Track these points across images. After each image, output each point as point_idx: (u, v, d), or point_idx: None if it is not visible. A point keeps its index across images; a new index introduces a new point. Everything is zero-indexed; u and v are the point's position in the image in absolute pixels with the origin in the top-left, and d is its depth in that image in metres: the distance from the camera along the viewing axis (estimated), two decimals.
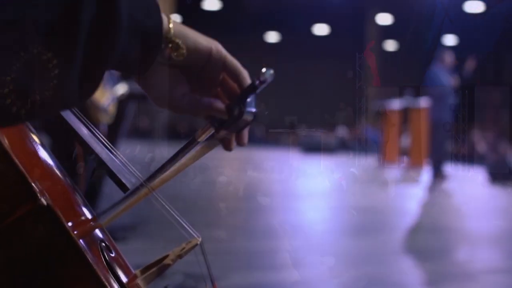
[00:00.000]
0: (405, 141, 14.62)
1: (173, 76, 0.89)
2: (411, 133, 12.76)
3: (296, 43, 30.58)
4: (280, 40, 30.99)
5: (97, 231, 0.93)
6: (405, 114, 12.97)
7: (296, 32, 29.14)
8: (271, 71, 0.84)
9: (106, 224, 0.99)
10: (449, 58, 10.11)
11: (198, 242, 1.00)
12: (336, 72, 31.52)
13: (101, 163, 0.95)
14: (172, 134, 19.99)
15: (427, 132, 10.36)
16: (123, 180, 0.97)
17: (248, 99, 0.86)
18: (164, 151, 11.06)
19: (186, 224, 1.00)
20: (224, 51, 0.90)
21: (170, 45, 0.85)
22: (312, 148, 15.84)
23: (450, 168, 11.34)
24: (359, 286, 4.01)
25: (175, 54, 0.85)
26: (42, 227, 0.77)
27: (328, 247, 5.23)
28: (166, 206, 0.99)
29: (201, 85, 0.91)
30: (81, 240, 0.81)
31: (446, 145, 10.53)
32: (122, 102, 4.68)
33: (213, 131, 0.90)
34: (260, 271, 4.27)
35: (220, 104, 0.89)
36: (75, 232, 0.80)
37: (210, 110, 0.89)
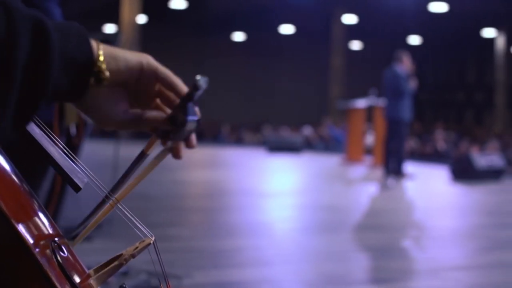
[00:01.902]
0: (369, 139, 14.74)
1: (111, 96, 0.91)
2: (375, 132, 12.86)
3: (262, 43, 30.62)
4: (246, 39, 30.99)
5: (50, 232, 0.92)
6: (369, 113, 13.06)
7: (263, 32, 29.18)
8: (206, 78, 0.86)
9: (77, 242, 1.01)
10: (407, 59, 10.25)
11: (151, 242, 0.99)
12: (302, 71, 31.67)
13: (53, 163, 0.94)
14: (137, 132, 19.90)
15: (385, 130, 10.49)
16: (75, 180, 0.97)
17: (189, 107, 0.89)
18: (129, 150, 11.00)
19: (139, 224, 0.99)
20: (155, 63, 0.93)
21: (99, 72, 0.87)
22: (277, 147, 15.87)
23: (413, 166, 11.45)
24: (321, 283, 4.03)
25: (104, 78, 0.87)
26: None
27: (291, 245, 5.26)
28: (120, 206, 0.98)
29: (140, 99, 0.94)
30: (31, 241, 0.81)
31: (405, 144, 10.69)
32: None
33: (159, 142, 0.93)
34: (224, 270, 4.27)
35: (161, 116, 0.93)
36: (26, 233, 0.80)
37: (152, 122, 0.93)
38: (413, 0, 21.03)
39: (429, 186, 10.07)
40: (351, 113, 13.28)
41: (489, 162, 10.40)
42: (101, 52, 0.88)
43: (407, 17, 23.09)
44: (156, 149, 0.94)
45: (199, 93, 0.88)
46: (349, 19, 24.83)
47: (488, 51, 28.87)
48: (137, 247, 0.97)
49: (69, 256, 0.94)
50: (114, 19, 21.67)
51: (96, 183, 0.95)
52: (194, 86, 0.87)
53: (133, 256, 0.96)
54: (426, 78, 32.06)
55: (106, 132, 20.84)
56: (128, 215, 0.98)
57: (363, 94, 13.15)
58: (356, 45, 31.58)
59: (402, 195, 8.99)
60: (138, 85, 0.92)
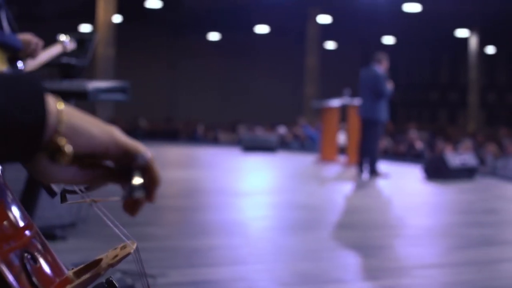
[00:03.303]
0: (343, 139, 14.81)
1: (63, 165, 0.79)
2: (349, 131, 12.92)
3: (237, 42, 30.62)
4: (221, 39, 30.96)
5: (25, 239, 0.90)
6: (343, 112, 13.12)
7: (238, 32, 29.18)
8: (141, 191, 0.83)
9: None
10: (386, 61, 10.38)
11: (132, 251, 0.97)
12: (277, 71, 31.69)
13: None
14: None
15: (360, 129, 10.63)
16: (51, 185, 0.95)
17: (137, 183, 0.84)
18: None
19: (121, 230, 0.98)
20: (123, 143, 0.82)
21: (54, 148, 0.75)
22: (252, 146, 15.89)
23: (387, 166, 11.53)
24: (296, 282, 4.06)
25: (59, 158, 0.76)
26: None
27: (266, 244, 5.27)
28: (99, 211, 0.97)
29: (91, 166, 0.83)
30: None
31: (379, 143, 10.86)
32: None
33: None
34: (199, 269, 4.28)
35: (109, 175, 0.85)
36: None
37: (102, 181, 0.85)
38: (387, 1, 21.15)
39: (403, 185, 10.15)
40: (325, 113, 13.33)
41: (462, 161, 10.50)
42: (61, 117, 0.75)
43: (381, 17, 23.21)
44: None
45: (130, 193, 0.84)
46: (324, 19, 24.90)
47: (461, 51, 29.12)
48: (117, 255, 0.95)
49: (45, 263, 0.91)
50: (90, 19, 21.55)
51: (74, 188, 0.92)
52: (130, 189, 0.83)
53: (111, 265, 0.94)
54: (399, 77, 32.27)
55: None
56: (106, 216, 0.97)
57: (337, 93, 13.21)
58: (330, 45, 31.69)
59: (376, 194, 9.05)
60: (96, 158, 0.81)
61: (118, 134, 0.81)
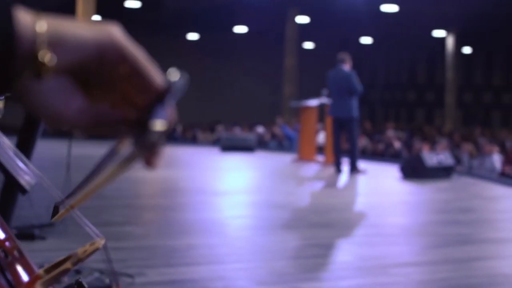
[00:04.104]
0: (320, 138, 14.86)
1: (59, 90, 0.65)
2: (327, 131, 12.97)
3: (216, 42, 30.59)
4: (200, 39, 30.92)
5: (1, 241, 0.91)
6: (322, 112, 13.17)
7: (217, 32, 29.16)
8: (184, 77, 0.67)
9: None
10: (348, 58, 10.78)
11: (100, 246, 0.98)
12: (256, 71, 31.69)
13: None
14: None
15: (334, 129, 10.91)
16: (21, 182, 0.96)
17: (156, 111, 0.67)
18: (82, 150, 10.91)
19: (89, 226, 0.98)
20: (122, 42, 0.66)
21: (34, 60, 0.63)
22: (230, 146, 15.89)
23: (364, 165, 11.59)
24: (273, 280, 4.07)
25: (43, 70, 0.63)
26: None
27: (244, 243, 5.29)
28: (71, 210, 0.95)
29: (97, 89, 0.68)
30: None
31: (358, 140, 11.13)
32: None
33: (126, 146, 0.71)
34: (177, 268, 4.28)
35: (131, 113, 0.69)
36: None
37: (117, 123, 0.69)
38: (365, 1, 21.25)
39: (380, 184, 10.21)
40: (303, 112, 13.37)
41: (439, 160, 10.58)
42: (41, 28, 0.64)
43: (359, 18, 23.31)
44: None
45: (174, 95, 0.67)
46: (303, 20, 24.97)
47: (438, 51, 29.31)
48: (86, 250, 0.97)
49: (16, 260, 0.92)
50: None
51: (47, 185, 0.89)
52: (168, 86, 0.67)
53: (81, 260, 0.95)
54: (377, 78, 32.44)
55: (59, 131, 20.52)
56: (78, 215, 0.97)
57: (316, 94, 13.24)
58: (309, 45, 31.76)
59: (354, 193, 9.09)
60: (94, 72, 0.66)
61: (117, 32, 0.66)
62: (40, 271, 0.95)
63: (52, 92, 0.65)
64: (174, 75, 0.67)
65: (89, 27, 0.66)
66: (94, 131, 0.69)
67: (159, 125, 0.66)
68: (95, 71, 0.66)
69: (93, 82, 0.67)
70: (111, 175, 0.73)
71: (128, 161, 0.69)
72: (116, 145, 0.70)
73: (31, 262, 0.98)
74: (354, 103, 10.69)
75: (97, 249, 0.96)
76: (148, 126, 0.65)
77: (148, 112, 0.66)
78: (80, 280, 1.01)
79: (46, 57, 0.62)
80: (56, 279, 0.93)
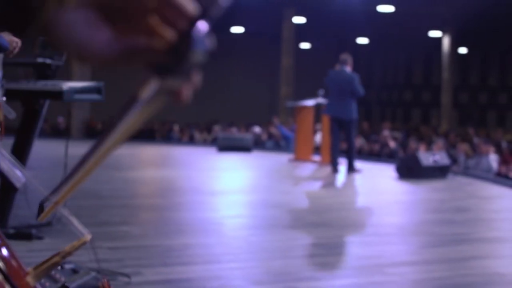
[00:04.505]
0: (318, 138, 14.88)
1: (85, 19, 0.63)
2: (323, 131, 12.99)
3: (213, 42, 30.58)
4: None
5: None
6: (318, 112, 13.19)
7: (214, 32, 29.13)
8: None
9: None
10: (350, 60, 10.96)
11: (87, 241, 1.01)
12: (254, 72, 31.70)
13: None
14: (89, 132, 19.75)
15: (332, 129, 11.03)
16: (12, 181, 0.99)
17: (196, 32, 0.64)
18: (80, 149, 10.91)
19: (76, 222, 1.01)
20: None
21: None
22: (227, 145, 15.90)
23: (360, 164, 11.62)
24: (269, 280, 4.10)
25: None
26: None
27: (240, 242, 5.30)
28: (63, 211, 0.98)
29: (126, 19, 0.65)
30: None
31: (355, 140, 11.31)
32: (33, 100, 4.63)
33: (156, 81, 0.66)
34: (173, 267, 4.30)
35: (158, 43, 0.65)
36: None
37: (148, 53, 0.65)
38: (362, 2, 21.28)
39: (376, 183, 10.23)
40: (299, 113, 13.39)
41: (435, 160, 10.60)
42: None
43: (356, 18, 23.33)
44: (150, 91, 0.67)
45: (215, 11, 0.63)
46: (299, 20, 25.00)
47: (434, 51, 29.34)
48: (73, 246, 1.00)
49: (7, 256, 0.95)
50: None
51: (35, 184, 0.93)
52: (202, 13, 0.63)
53: (69, 254, 0.97)
54: (374, 78, 32.48)
55: (57, 131, 20.59)
56: (66, 214, 1.00)
57: (313, 94, 13.25)
58: (305, 45, 31.78)
59: (350, 192, 9.11)
60: (120, 5, 0.64)
61: None
62: (30, 270, 0.98)
63: (77, 24, 0.62)
64: None
65: None
66: (123, 63, 0.67)
67: (195, 53, 0.63)
68: (121, 4, 0.64)
69: (119, 16, 0.64)
70: (138, 119, 0.68)
71: (157, 97, 0.66)
72: (138, 89, 0.67)
73: (20, 261, 1.00)
74: (354, 105, 10.84)
75: (83, 244, 1.00)
76: (183, 54, 0.63)
77: (182, 39, 0.63)
78: (66, 284, 1.04)
79: None
80: (46, 272, 0.95)
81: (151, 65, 0.65)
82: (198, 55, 0.64)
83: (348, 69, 10.95)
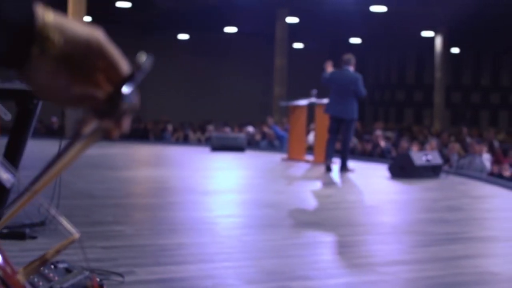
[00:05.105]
0: (311, 138, 14.90)
1: (54, 68, 0.85)
2: (316, 131, 13.01)
3: (207, 42, 30.59)
4: (191, 39, 30.89)
5: None
6: (311, 112, 13.22)
7: (208, 32, 29.16)
8: (150, 59, 0.85)
9: None
10: (354, 60, 11.12)
11: (75, 239, 1.03)
12: (247, 71, 31.71)
13: None
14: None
15: (332, 128, 11.11)
16: (2, 178, 1.02)
17: (128, 87, 0.86)
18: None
19: (65, 221, 1.04)
20: (104, 42, 0.87)
21: (43, 39, 0.82)
22: (221, 145, 15.91)
23: (353, 164, 11.65)
24: (263, 279, 4.11)
25: (48, 47, 0.83)
26: None
27: (233, 241, 5.32)
28: (48, 206, 1.02)
29: (81, 74, 0.87)
30: None
31: (350, 141, 11.40)
32: (27, 100, 4.63)
33: (95, 121, 0.89)
34: (167, 266, 4.31)
35: (101, 94, 0.87)
36: None
37: (92, 100, 0.88)
38: (354, 2, 21.32)
39: (369, 183, 10.25)
40: (293, 112, 13.41)
41: (427, 160, 10.63)
42: (48, 18, 0.83)
43: (349, 18, 23.37)
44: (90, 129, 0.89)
45: (141, 74, 0.86)
46: (292, 20, 25.03)
47: (427, 51, 29.42)
48: (62, 244, 1.02)
49: None
50: None
51: (19, 181, 0.97)
52: (136, 67, 0.85)
53: (58, 252, 1.00)
54: (367, 77, 32.52)
55: (51, 130, 20.57)
56: (54, 212, 1.03)
57: (306, 94, 13.27)
58: (299, 46, 31.81)
59: (343, 192, 9.14)
60: (82, 60, 0.86)
61: (101, 35, 0.87)
62: (20, 270, 0.99)
63: (49, 72, 0.84)
64: (141, 59, 0.85)
65: (82, 26, 0.86)
66: (74, 105, 0.89)
67: (125, 104, 0.85)
68: (80, 61, 0.86)
69: (76, 70, 0.86)
70: (78, 151, 0.90)
71: (94, 134, 0.88)
72: (79, 127, 0.89)
73: (9, 261, 1.02)
74: (356, 105, 11.03)
75: (72, 242, 1.03)
76: (116, 103, 0.85)
77: (117, 93, 0.86)
78: (53, 285, 1.06)
79: (55, 36, 0.82)
80: (36, 270, 0.98)
81: (94, 109, 0.88)
82: (127, 106, 0.86)
83: (352, 69, 11.10)
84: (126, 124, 0.89)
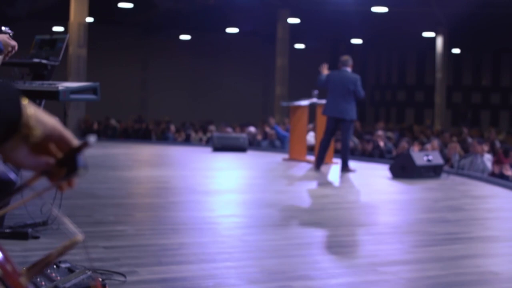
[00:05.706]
0: (310, 138, 14.91)
1: (22, 147, 1.10)
2: (317, 131, 13.02)
3: (209, 43, 30.60)
4: (193, 39, 30.89)
5: None
6: (313, 112, 13.23)
7: (209, 32, 29.18)
8: (93, 139, 1.05)
9: None
10: (351, 61, 11.21)
11: (78, 241, 1.05)
12: (249, 71, 31.71)
13: None
14: (85, 131, 19.71)
15: (331, 128, 11.18)
16: (11, 177, 1.05)
17: (78, 157, 1.09)
18: None
19: (69, 223, 1.07)
20: (61, 129, 1.12)
21: (28, 129, 1.07)
22: (222, 145, 15.91)
23: (354, 164, 11.65)
24: (264, 279, 4.12)
25: (32, 134, 1.08)
26: None
27: (235, 241, 5.33)
28: (53, 208, 1.06)
29: (40, 151, 1.11)
30: None
31: (349, 141, 11.47)
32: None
33: (48, 179, 1.12)
34: (169, 266, 4.33)
35: (52, 161, 1.11)
36: None
37: (46, 165, 1.11)
38: (355, 2, 21.33)
39: (369, 183, 10.26)
40: (294, 112, 13.42)
41: (428, 160, 10.64)
42: (30, 112, 1.08)
43: (350, 19, 23.38)
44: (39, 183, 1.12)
45: (86, 148, 1.08)
46: (293, 21, 25.05)
47: (427, 52, 29.41)
48: (66, 246, 1.04)
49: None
50: (63, 19, 21.36)
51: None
52: (85, 143, 1.07)
53: (61, 254, 1.02)
54: (368, 78, 32.51)
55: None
56: (59, 214, 1.06)
57: (308, 94, 13.27)
58: (300, 46, 31.82)
59: (344, 192, 9.14)
60: (43, 141, 1.11)
61: (59, 124, 1.13)
62: (23, 270, 1.01)
63: (20, 150, 1.10)
64: (90, 140, 1.06)
65: (49, 117, 1.12)
66: (32, 169, 1.12)
67: (76, 168, 1.09)
68: (44, 141, 1.11)
69: (38, 146, 1.11)
70: (25, 201, 1.16)
71: (46, 189, 1.10)
72: (29, 181, 1.10)
73: (12, 262, 1.03)
74: (355, 105, 11.08)
75: (75, 244, 1.05)
76: (69, 167, 1.09)
77: (66, 160, 1.10)
78: (57, 285, 1.07)
79: (36, 128, 1.09)
80: (40, 271, 1.00)
81: (46, 170, 1.11)
82: (78, 169, 1.09)
83: (349, 70, 11.16)
84: (74, 182, 1.13)
